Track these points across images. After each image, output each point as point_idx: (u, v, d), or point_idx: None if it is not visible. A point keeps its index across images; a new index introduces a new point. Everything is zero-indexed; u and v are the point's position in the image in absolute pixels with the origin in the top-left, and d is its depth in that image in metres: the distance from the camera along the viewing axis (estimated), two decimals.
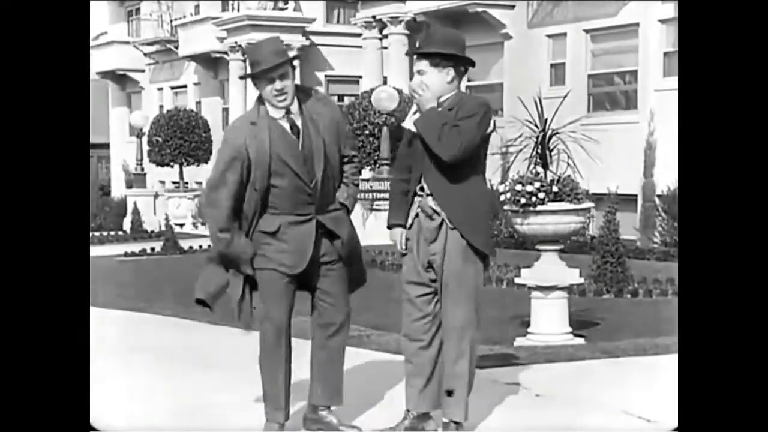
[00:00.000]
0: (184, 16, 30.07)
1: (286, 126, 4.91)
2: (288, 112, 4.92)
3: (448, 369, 4.94)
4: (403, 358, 5.11)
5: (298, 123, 4.93)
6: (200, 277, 5.10)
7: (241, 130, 4.94)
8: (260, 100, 4.97)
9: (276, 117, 4.91)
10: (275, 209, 4.91)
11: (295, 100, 4.94)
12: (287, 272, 4.93)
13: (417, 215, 5.00)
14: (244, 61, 25.99)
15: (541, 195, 7.96)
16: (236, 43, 26.27)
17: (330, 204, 5.01)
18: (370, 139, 20.51)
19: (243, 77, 5.15)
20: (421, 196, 4.98)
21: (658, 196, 17.61)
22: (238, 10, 26.85)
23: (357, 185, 5.19)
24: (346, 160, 5.11)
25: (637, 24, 18.40)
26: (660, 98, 17.57)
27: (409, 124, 4.97)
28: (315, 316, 5.13)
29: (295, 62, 5.03)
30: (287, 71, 4.87)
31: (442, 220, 4.93)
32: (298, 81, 5.05)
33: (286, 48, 5.01)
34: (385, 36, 23.48)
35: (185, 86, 31.52)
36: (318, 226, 4.96)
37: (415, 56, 5.02)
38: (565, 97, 9.52)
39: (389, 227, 5.11)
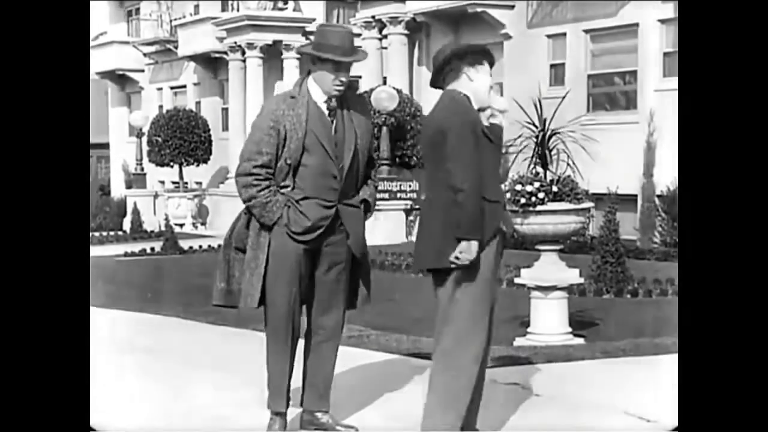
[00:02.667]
0: (184, 16, 30.06)
1: (324, 109, 4.99)
2: (329, 99, 5.00)
3: (483, 376, 4.81)
4: (469, 385, 4.66)
5: (336, 110, 5.02)
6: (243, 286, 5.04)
7: (280, 102, 5.02)
8: (307, 75, 5.06)
9: (316, 99, 5.00)
10: (301, 190, 4.94)
11: None
12: (296, 237, 4.91)
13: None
14: (244, 60, 26.10)
15: (541, 195, 7.97)
16: (236, 43, 26.26)
17: (352, 197, 5.05)
18: None
19: (305, 53, 5.11)
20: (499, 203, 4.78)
21: (658, 196, 17.61)
22: (238, 10, 26.84)
23: (376, 187, 5.26)
24: (367, 161, 5.18)
25: (637, 24, 18.38)
26: (659, 98, 17.56)
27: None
28: (309, 319, 5.14)
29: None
30: (350, 66, 5.02)
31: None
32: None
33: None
34: (385, 36, 23.44)
35: (185, 86, 31.51)
36: (337, 215, 4.98)
37: (488, 66, 4.79)
38: (564, 97, 9.52)
39: (469, 240, 4.53)
